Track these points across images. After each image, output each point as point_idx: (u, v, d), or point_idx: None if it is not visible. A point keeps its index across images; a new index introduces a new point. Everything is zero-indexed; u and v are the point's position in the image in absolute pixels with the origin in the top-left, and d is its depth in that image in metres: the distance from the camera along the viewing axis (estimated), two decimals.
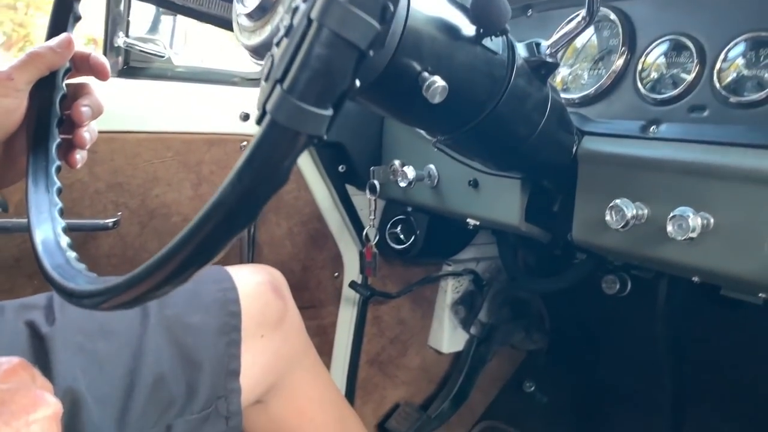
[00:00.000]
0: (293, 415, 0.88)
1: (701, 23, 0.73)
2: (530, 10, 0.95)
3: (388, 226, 1.18)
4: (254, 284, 0.83)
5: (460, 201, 0.98)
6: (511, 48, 0.65)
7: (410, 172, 1.00)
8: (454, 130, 0.67)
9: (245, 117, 1.04)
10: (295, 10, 0.35)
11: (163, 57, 0.97)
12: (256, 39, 0.55)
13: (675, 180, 0.68)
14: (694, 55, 0.72)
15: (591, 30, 0.88)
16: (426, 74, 0.57)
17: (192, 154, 1.01)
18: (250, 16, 0.55)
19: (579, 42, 0.91)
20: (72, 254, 0.52)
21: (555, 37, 0.68)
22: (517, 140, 0.70)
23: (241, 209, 0.33)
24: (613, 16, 0.82)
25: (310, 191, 1.14)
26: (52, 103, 0.62)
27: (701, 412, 1.14)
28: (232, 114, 1.03)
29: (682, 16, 0.75)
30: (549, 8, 0.92)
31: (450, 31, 0.59)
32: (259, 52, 0.55)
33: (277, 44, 0.35)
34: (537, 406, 1.43)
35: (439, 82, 0.57)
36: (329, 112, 0.32)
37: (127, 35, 0.95)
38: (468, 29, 0.60)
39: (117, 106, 0.95)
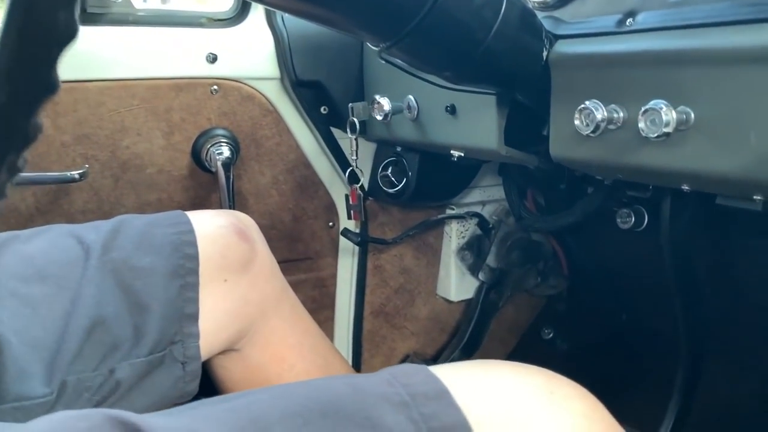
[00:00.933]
0: (271, 363, 0.84)
1: None
2: None
3: (380, 169, 1.12)
4: (215, 227, 0.78)
5: (440, 131, 0.91)
6: None
7: (386, 104, 0.94)
8: (395, 33, 0.60)
9: (213, 59, 0.99)
10: None
11: (118, 1, 0.93)
12: None
13: (651, 74, 0.60)
14: None
15: None
16: None
17: (160, 100, 0.97)
18: None
19: None
20: None
21: None
22: (470, 43, 0.63)
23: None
24: None
25: (292, 136, 1.08)
26: None
27: (723, 347, 1.05)
28: (199, 56, 0.98)
29: None
30: None
31: None
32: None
33: None
34: (557, 353, 1.36)
35: None
36: None
37: None
38: None
39: (76, 54, 0.91)
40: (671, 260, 0.96)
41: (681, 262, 0.99)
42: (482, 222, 1.27)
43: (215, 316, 0.75)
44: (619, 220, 1.04)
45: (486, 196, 1.28)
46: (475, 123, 0.84)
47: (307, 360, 0.87)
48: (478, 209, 1.27)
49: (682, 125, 0.57)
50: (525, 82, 0.73)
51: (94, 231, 0.72)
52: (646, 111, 0.57)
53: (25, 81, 0.29)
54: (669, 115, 0.56)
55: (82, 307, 0.64)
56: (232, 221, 0.81)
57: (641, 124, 0.57)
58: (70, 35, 0.28)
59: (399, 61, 0.70)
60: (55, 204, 0.94)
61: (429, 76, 0.73)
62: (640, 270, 1.29)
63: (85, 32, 0.95)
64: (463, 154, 0.91)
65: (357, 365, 1.24)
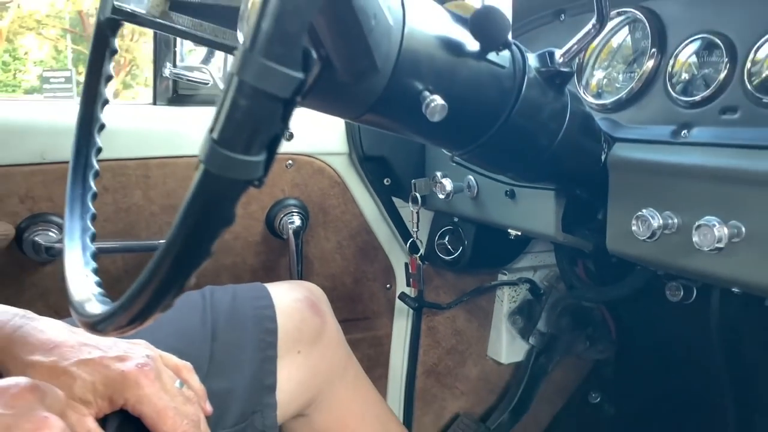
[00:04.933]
0: (335, 428, 0.90)
1: (731, 20, 0.69)
2: (563, 15, 0.93)
3: (437, 236, 1.18)
4: (291, 301, 0.85)
5: (499, 211, 0.97)
6: (521, 59, 0.64)
7: (448, 184, 1.00)
8: (466, 145, 0.67)
9: (290, 136, 1.07)
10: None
11: (208, 84, 1.03)
12: None
13: (704, 187, 0.65)
14: (725, 53, 0.68)
15: (626, 31, 0.85)
16: (426, 93, 0.57)
17: None
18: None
19: (615, 42, 0.88)
20: (94, 279, 0.56)
21: (568, 45, 0.67)
22: (535, 151, 0.69)
23: (190, 250, 0.35)
24: (641, 17, 0.79)
25: (357, 205, 1.16)
26: (91, 134, 0.67)
27: None
28: None
29: (711, 14, 0.72)
30: (582, 12, 0.90)
31: (450, 48, 0.58)
32: None
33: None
34: (604, 418, 1.38)
35: (438, 101, 0.57)
36: (261, 157, 0.34)
37: (174, 66, 1.01)
38: (470, 45, 0.60)
39: (168, 133, 1.01)
40: (719, 338, 0.99)
41: (729, 339, 1.01)
42: (533, 287, 1.31)
43: (290, 387, 0.82)
44: (668, 292, 1.07)
45: (538, 262, 1.32)
46: (533, 209, 0.89)
47: (367, 425, 0.93)
48: (529, 274, 1.32)
49: (734, 238, 0.61)
50: (584, 179, 0.79)
51: (186, 301, 0.80)
52: (699, 226, 0.62)
53: (189, 252, 0.36)
54: (721, 231, 0.60)
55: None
56: (306, 295, 0.88)
57: (695, 238, 0.62)
58: (229, 221, 0.35)
59: (468, 164, 0.76)
60: (140, 269, 1.03)
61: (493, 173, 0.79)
62: (688, 340, 1.31)
63: (175, 112, 1.05)
64: (520, 234, 0.96)
65: (408, 423, 1.29)
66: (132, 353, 0.60)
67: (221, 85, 1.06)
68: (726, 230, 0.61)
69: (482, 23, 0.59)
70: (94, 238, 0.62)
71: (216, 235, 0.36)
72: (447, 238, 1.16)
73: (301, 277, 1.08)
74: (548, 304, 1.32)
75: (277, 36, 0.32)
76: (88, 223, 0.64)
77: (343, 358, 0.91)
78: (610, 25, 0.85)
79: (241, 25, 0.60)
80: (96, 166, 0.67)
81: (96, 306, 0.50)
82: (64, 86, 15.90)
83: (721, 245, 0.61)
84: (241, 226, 1.08)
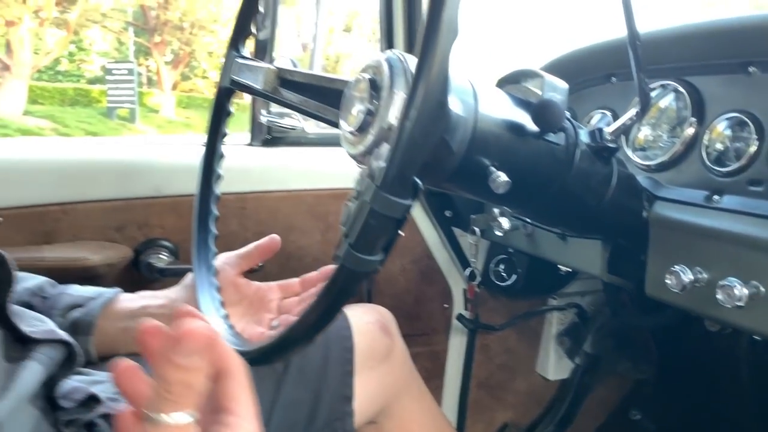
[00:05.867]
0: None
1: (761, 102, 0.79)
2: (613, 78, 1.04)
3: (492, 264, 1.31)
4: (365, 323, 0.99)
5: (551, 250, 1.08)
6: (574, 135, 0.76)
7: (505, 222, 1.12)
8: (523, 206, 0.80)
9: None
10: (362, 178, 0.51)
11: (296, 129, 1.18)
12: (357, 149, 0.71)
13: (730, 249, 0.76)
14: (754, 132, 0.79)
15: (672, 96, 0.96)
16: (492, 168, 0.70)
17: (321, 206, 1.20)
18: (351, 133, 0.71)
19: (662, 104, 0.99)
20: (231, 330, 0.70)
21: (615, 125, 0.78)
22: (583, 211, 0.81)
23: (327, 314, 0.50)
24: (682, 90, 0.89)
25: (420, 233, 1.29)
26: (209, 184, 0.83)
27: None
28: (353, 171, 1.21)
29: (744, 95, 0.82)
30: (631, 78, 1.00)
31: (513, 130, 0.71)
32: (358, 159, 0.71)
33: (348, 201, 0.51)
34: None
35: (502, 177, 0.69)
36: (380, 256, 0.48)
37: (268, 112, 1.16)
38: (530, 127, 0.72)
39: (262, 171, 1.17)
40: (748, 365, 1.08)
41: (758, 365, 1.10)
42: (581, 312, 1.42)
43: (364, 398, 0.96)
44: (707, 322, 1.17)
45: (585, 287, 1.43)
46: (582, 251, 1.01)
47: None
48: (577, 299, 1.43)
49: (754, 296, 0.72)
50: (627, 232, 0.90)
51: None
52: (723, 285, 0.73)
53: (326, 314, 0.50)
54: (742, 291, 0.71)
55: (282, 394, 0.86)
56: (378, 318, 1.02)
57: (719, 295, 0.73)
58: (353, 294, 0.49)
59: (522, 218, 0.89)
60: None
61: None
62: (725, 365, 1.40)
63: (269, 152, 1.21)
64: (570, 270, 1.08)
65: (461, 430, 1.42)
66: None
67: (307, 130, 1.21)
68: (746, 290, 0.72)
69: (542, 112, 0.72)
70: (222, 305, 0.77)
71: (344, 303, 0.50)
72: (502, 266, 1.29)
73: (370, 297, 1.23)
74: (594, 327, 1.43)
75: (399, 179, 0.46)
76: (211, 244, 0.81)
77: (409, 374, 1.05)
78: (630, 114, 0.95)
79: (344, 114, 0.73)
80: (215, 211, 0.83)
81: (232, 341, 0.65)
82: (126, 78, 16.53)
83: (741, 303, 0.71)
84: (320, 251, 1.23)
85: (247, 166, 1.16)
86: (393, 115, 0.55)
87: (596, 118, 1.05)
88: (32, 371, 0.58)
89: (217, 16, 18.78)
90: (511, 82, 0.80)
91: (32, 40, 15.49)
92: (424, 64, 0.46)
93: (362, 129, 0.67)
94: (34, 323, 0.64)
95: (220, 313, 0.74)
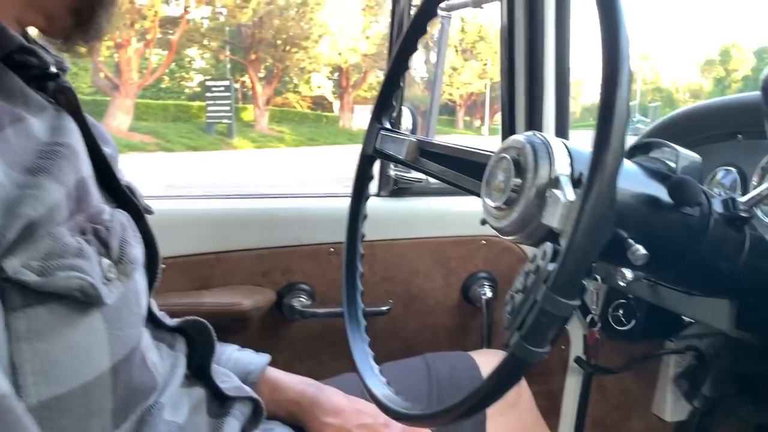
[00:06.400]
0: None
1: None
2: (740, 136, 1.05)
3: (611, 308, 1.33)
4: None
5: (674, 301, 1.10)
6: (707, 205, 0.79)
7: (628, 273, 1.14)
8: (654, 273, 0.83)
9: (483, 222, 1.27)
10: (527, 273, 0.57)
11: (421, 182, 1.26)
12: (502, 224, 0.77)
13: None
14: None
15: None
16: (631, 241, 0.74)
17: (444, 252, 1.27)
18: (497, 207, 0.77)
19: None
20: (390, 389, 0.78)
21: (750, 194, 0.81)
22: (716, 276, 0.83)
23: (489, 397, 0.56)
24: None
25: None
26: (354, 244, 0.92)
27: None
28: (474, 219, 1.27)
29: None
30: (757, 137, 1.01)
31: (650, 203, 0.74)
32: (504, 231, 0.77)
33: (514, 293, 0.57)
34: None
35: (641, 251, 0.73)
36: (547, 348, 0.54)
37: (395, 167, 1.24)
38: (666, 199, 0.76)
39: (390, 219, 1.25)
40: None
41: None
42: (700, 355, 1.41)
43: None
44: None
45: (705, 329, 1.42)
46: (707, 305, 1.02)
47: None
48: (696, 342, 1.42)
49: None
50: (758, 292, 0.91)
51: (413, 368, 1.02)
52: None
53: (497, 389, 0.57)
54: None
55: None
56: None
57: None
58: (518, 380, 0.55)
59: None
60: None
61: None
62: None
63: (396, 203, 1.29)
64: (693, 321, 1.09)
65: None
66: (391, 422, 0.83)
67: (431, 181, 1.28)
68: None
69: (680, 190, 0.75)
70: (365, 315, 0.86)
71: (509, 389, 0.56)
72: (621, 311, 1.31)
73: (490, 341, 1.28)
74: (714, 371, 1.42)
75: (569, 283, 0.51)
76: (359, 299, 0.89)
77: (534, 421, 1.10)
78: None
79: (488, 190, 0.79)
80: (360, 268, 0.91)
81: (394, 400, 0.73)
82: (223, 94, 17.38)
83: None
84: (441, 294, 1.30)
85: (377, 216, 1.24)
86: (554, 216, 0.60)
87: (721, 175, 1.06)
88: (231, 426, 0.68)
89: (308, 33, 19.44)
90: (641, 151, 0.84)
91: (138, 60, 16.58)
92: (595, 177, 0.52)
93: (507, 204, 0.73)
94: (225, 379, 0.74)
95: (375, 370, 0.82)
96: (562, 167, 0.67)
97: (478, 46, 25.43)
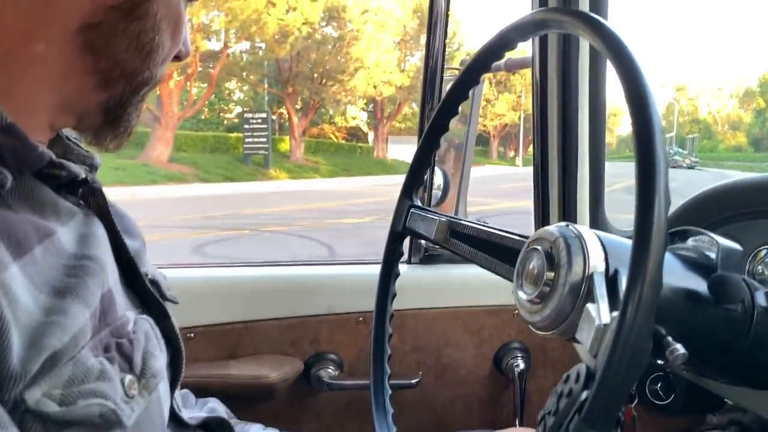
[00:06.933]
0: None
1: None
2: None
3: (648, 381, 1.28)
4: None
5: (718, 387, 1.05)
6: (749, 297, 0.76)
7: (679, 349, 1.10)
8: (695, 372, 0.79)
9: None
10: (560, 396, 0.54)
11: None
12: (536, 318, 0.74)
13: None
14: None
15: None
16: (670, 339, 0.71)
17: (475, 322, 1.25)
18: (531, 301, 0.74)
19: None
20: None
21: None
22: (761, 371, 0.79)
23: None
24: None
25: (573, 347, 1.30)
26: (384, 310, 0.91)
27: None
28: (505, 288, 1.24)
29: None
30: None
31: (689, 298, 0.71)
32: (537, 327, 0.74)
33: (547, 414, 0.55)
34: None
35: (680, 350, 0.70)
36: None
37: None
38: (706, 294, 0.72)
39: (420, 288, 1.23)
40: None
41: None
42: (744, 429, 1.35)
43: None
44: None
45: None
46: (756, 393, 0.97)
47: None
48: (740, 416, 1.36)
49: None
50: None
51: None
52: None
53: None
54: None
55: None
56: None
57: None
58: None
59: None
60: (391, 400, 1.25)
61: None
62: None
63: (426, 270, 1.27)
64: (732, 404, 1.04)
65: None
66: None
67: None
68: None
69: (721, 288, 0.72)
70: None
71: None
72: (659, 384, 1.26)
73: (522, 413, 1.24)
74: None
75: (604, 416, 0.49)
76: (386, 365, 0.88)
77: None
78: None
79: (520, 281, 0.77)
80: (389, 350, 0.90)
81: None
82: (260, 126, 17.68)
83: None
84: (473, 364, 1.27)
85: (407, 284, 1.22)
86: (588, 337, 0.57)
87: (765, 253, 1.02)
88: None
89: (344, 66, 19.73)
90: (679, 238, 0.81)
91: (179, 93, 17.03)
92: (630, 305, 0.49)
93: (540, 298, 0.71)
94: None
95: None
96: (597, 263, 0.64)
97: (511, 78, 25.46)
